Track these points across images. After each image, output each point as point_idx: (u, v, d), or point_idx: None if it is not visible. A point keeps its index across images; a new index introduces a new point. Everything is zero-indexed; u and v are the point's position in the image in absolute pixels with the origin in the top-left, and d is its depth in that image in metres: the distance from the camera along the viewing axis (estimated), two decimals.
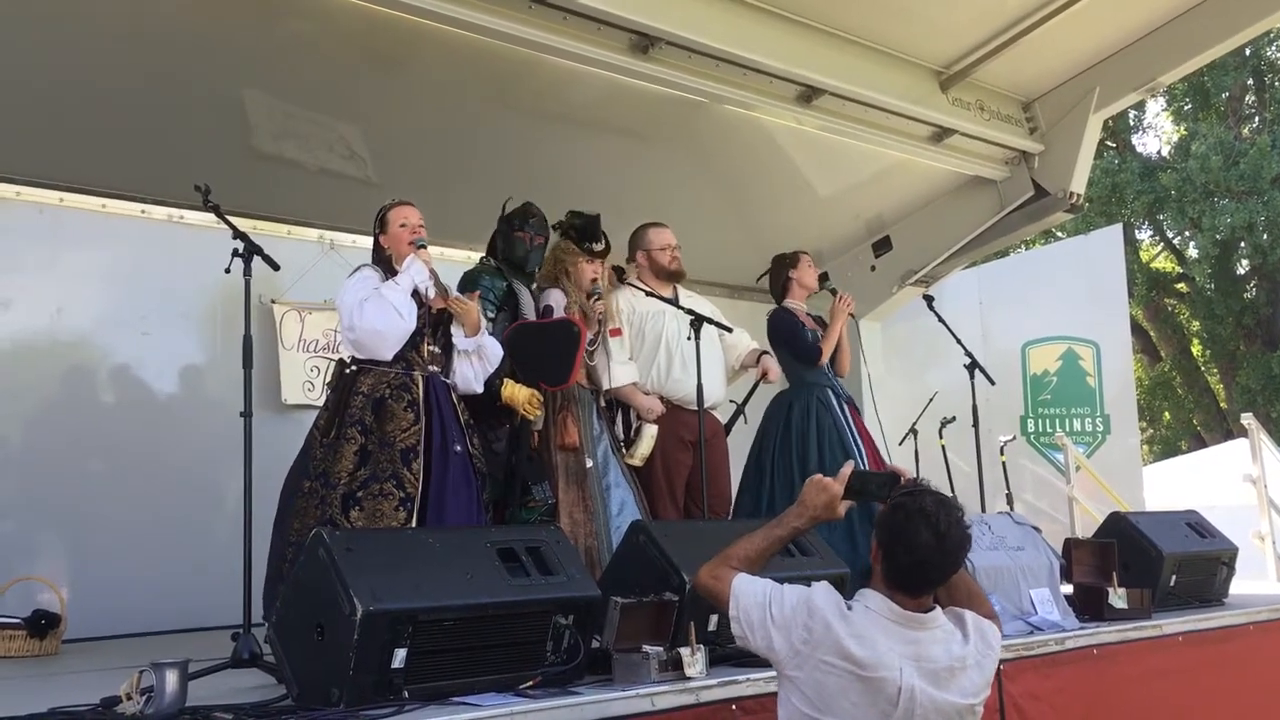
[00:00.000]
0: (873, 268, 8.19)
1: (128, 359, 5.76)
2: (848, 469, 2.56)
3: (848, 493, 2.52)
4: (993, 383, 5.87)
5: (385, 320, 3.91)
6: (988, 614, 2.46)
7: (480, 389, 4.23)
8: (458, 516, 3.87)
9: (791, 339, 5.40)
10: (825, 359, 5.39)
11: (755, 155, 6.91)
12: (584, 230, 4.85)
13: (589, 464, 4.68)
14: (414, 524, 3.79)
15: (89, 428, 5.53)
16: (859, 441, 5.28)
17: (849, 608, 2.34)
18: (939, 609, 2.36)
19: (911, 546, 2.29)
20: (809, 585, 2.43)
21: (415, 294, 4.02)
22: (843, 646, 2.25)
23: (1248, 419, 7.85)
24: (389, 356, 3.97)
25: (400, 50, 5.31)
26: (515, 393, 4.36)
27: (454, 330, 4.18)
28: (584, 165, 6.33)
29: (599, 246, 4.86)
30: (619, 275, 4.93)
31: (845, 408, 5.39)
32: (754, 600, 2.40)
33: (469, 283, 4.61)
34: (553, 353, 4.49)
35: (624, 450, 4.89)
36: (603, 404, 4.94)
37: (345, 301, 3.97)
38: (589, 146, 6.37)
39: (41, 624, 4.52)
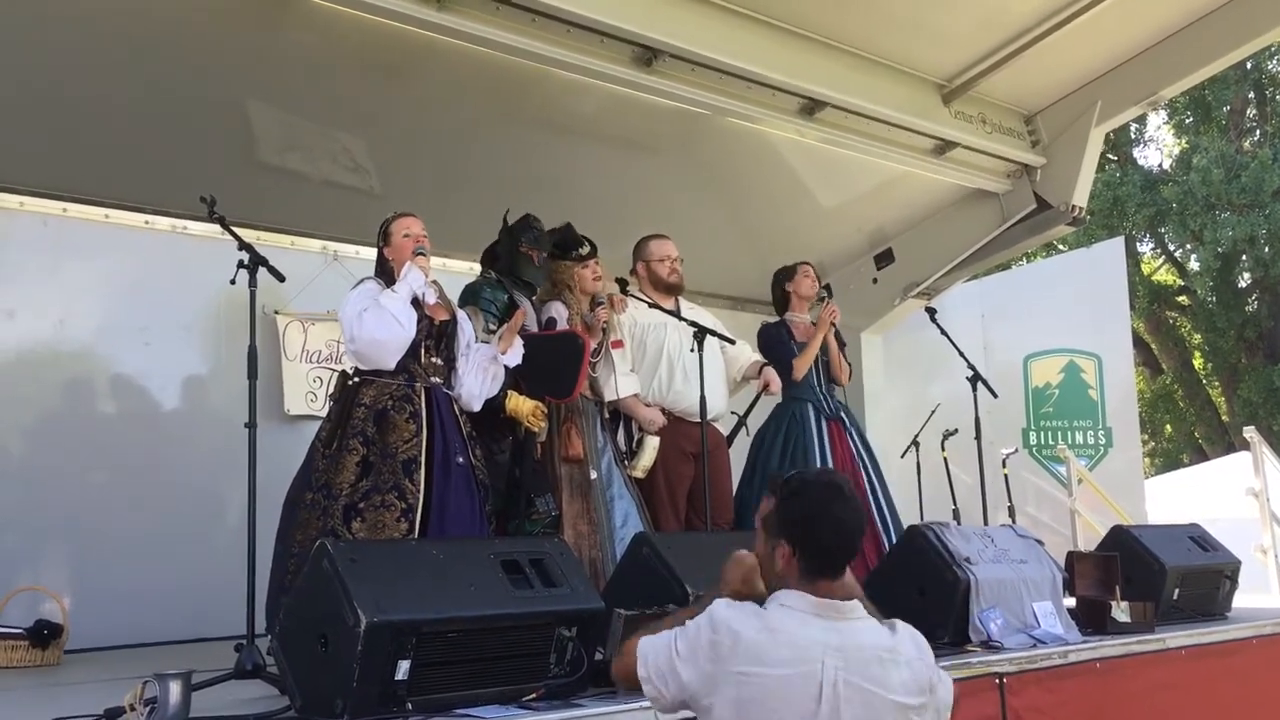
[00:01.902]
0: (875, 280, 8.19)
1: (130, 370, 5.76)
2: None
3: None
4: (995, 395, 5.88)
5: (384, 329, 3.92)
6: None
7: (478, 408, 4.25)
8: (459, 528, 3.88)
9: (773, 355, 5.44)
10: (799, 374, 5.42)
11: (758, 167, 6.92)
12: (563, 244, 4.88)
13: (593, 475, 4.69)
14: (415, 536, 3.79)
15: (92, 438, 5.53)
16: (829, 459, 5.29)
17: (764, 608, 2.21)
18: (857, 601, 2.23)
19: (833, 520, 2.19)
20: None
21: (416, 302, 4.04)
22: (755, 649, 2.11)
23: (1250, 432, 7.85)
24: (392, 365, 3.98)
25: (405, 63, 5.33)
26: (519, 405, 4.37)
27: (491, 342, 4.22)
28: (588, 177, 6.35)
29: (584, 250, 4.89)
30: (622, 287, 4.94)
31: (825, 423, 5.40)
32: (657, 648, 2.22)
33: (470, 295, 4.63)
34: (558, 365, 4.50)
35: (626, 462, 4.90)
36: (606, 415, 4.95)
37: (345, 314, 4.00)
38: (593, 158, 6.38)
39: (44, 634, 4.52)
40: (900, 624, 2.25)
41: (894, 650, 2.16)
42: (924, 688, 2.18)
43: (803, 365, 5.44)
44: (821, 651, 2.08)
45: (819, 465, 5.28)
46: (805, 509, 2.20)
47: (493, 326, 4.48)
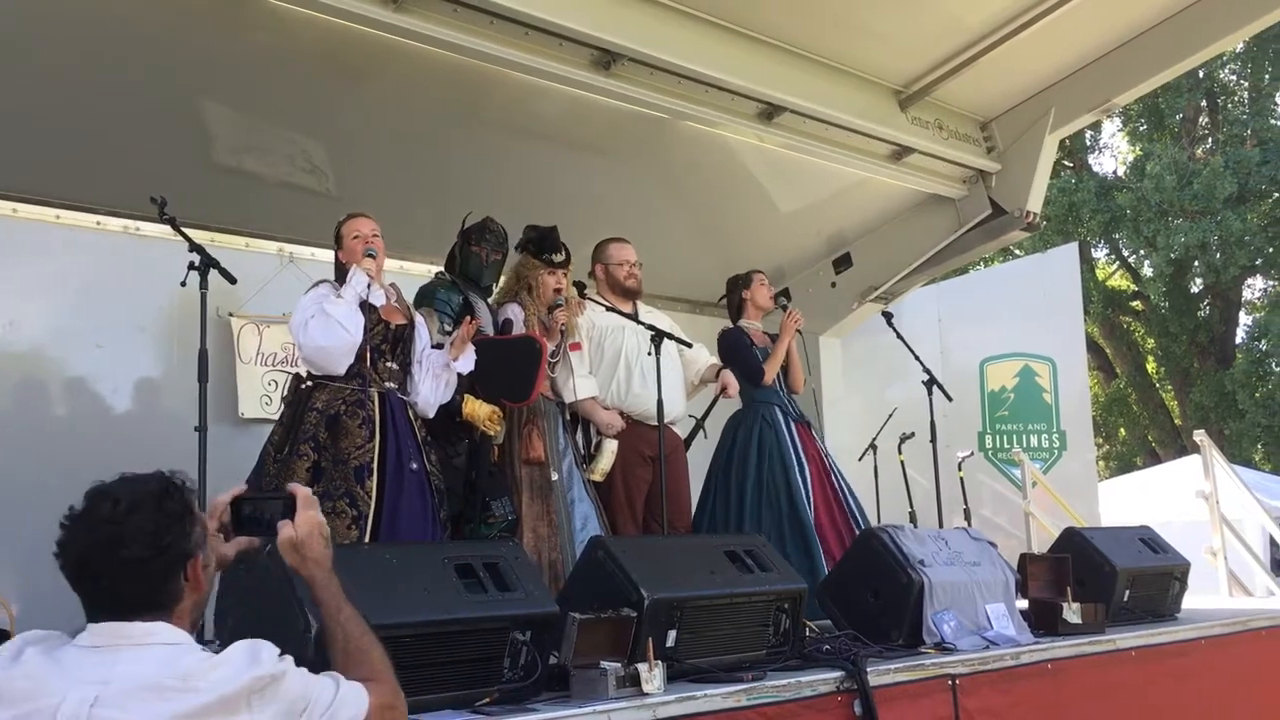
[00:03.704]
0: (833, 284, 8.24)
1: (82, 372, 5.67)
2: (225, 498, 2.21)
3: (240, 526, 2.20)
4: (950, 399, 5.93)
5: (328, 336, 3.90)
6: (363, 677, 2.10)
7: (432, 415, 4.23)
8: (411, 534, 3.85)
9: (738, 359, 5.45)
10: (770, 378, 5.45)
11: (718, 172, 6.94)
12: (541, 242, 4.85)
13: (554, 478, 4.68)
14: (366, 542, 3.76)
15: (42, 442, 5.44)
16: (803, 461, 5.32)
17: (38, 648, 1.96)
18: (164, 624, 1.97)
19: (65, 546, 1.98)
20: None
21: (368, 307, 4.01)
22: None
23: (1200, 436, 7.95)
24: (340, 370, 3.96)
25: (363, 64, 5.30)
26: (476, 409, 4.35)
27: (447, 348, 4.20)
28: (547, 180, 6.34)
29: (559, 257, 4.87)
30: (580, 290, 4.94)
31: (794, 426, 5.43)
32: None
33: (424, 297, 4.61)
34: (515, 369, 4.49)
35: (585, 465, 4.89)
36: (568, 417, 4.94)
37: (293, 322, 4.00)
38: (553, 161, 6.37)
39: None
40: (241, 646, 1.99)
41: (190, 676, 1.87)
42: (229, 708, 1.87)
43: (772, 370, 5.47)
44: (67, 685, 1.84)
45: (795, 467, 5.29)
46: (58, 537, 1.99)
47: (448, 327, 4.46)
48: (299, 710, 1.94)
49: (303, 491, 2.22)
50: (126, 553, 1.94)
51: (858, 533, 5.24)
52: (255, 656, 1.96)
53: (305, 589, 2.58)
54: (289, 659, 2.00)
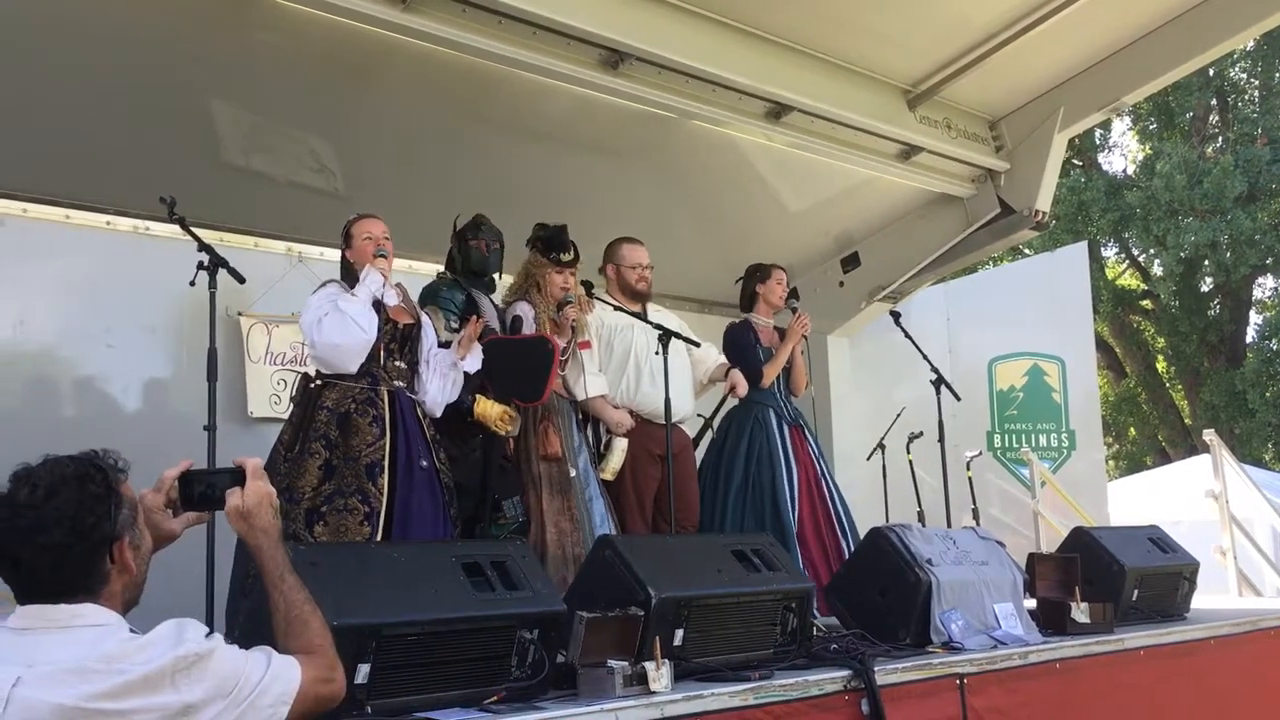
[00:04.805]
0: (841, 284, 8.23)
1: (92, 371, 5.70)
2: (173, 473, 2.24)
3: (190, 500, 2.22)
4: (958, 398, 5.93)
5: (343, 334, 3.91)
6: (301, 647, 2.13)
7: (439, 414, 4.24)
8: (423, 531, 3.87)
9: (740, 358, 5.45)
10: (768, 381, 5.45)
11: (726, 171, 6.94)
12: (550, 241, 4.86)
13: (572, 474, 4.69)
14: (378, 539, 3.78)
15: (51, 441, 5.32)
16: (792, 465, 5.32)
17: None
18: (92, 605, 1.94)
19: None
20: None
21: (378, 305, 4.03)
22: None
23: (1209, 435, 7.94)
24: (353, 368, 3.97)
25: (371, 64, 5.31)
26: (487, 409, 4.36)
27: (454, 347, 4.21)
28: (555, 179, 6.34)
29: (567, 256, 4.88)
30: (588, 289, 4.94)
31: (786, 429, 5.44)
32: None
33: (428, 296, 4.62)
34: (527, 369, 4.50)
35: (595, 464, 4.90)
36: (580, 415, 4.95)
37: (305, 320, 4.00)
38: (560, 160, 6.38)
39: None
40: (168, 625, 1.96)
41: (110, 660, 1.85)
42: (152, 687, 1.86)
43: (771, 374, 5.47)
44: (5, 670, 1.83)
45: (784, 469, 5.31)
46: None
47: (454, 324, 4.47)
48: (229, 688, 1.94)
49: (252, 462, 2.22)
50: (45, 538, 1.90)
51: (842, 539, 5.28)
52: (181, 635, 1.94)
53: (316, 590, 2.59)
54: (218, 637, 1.99)
